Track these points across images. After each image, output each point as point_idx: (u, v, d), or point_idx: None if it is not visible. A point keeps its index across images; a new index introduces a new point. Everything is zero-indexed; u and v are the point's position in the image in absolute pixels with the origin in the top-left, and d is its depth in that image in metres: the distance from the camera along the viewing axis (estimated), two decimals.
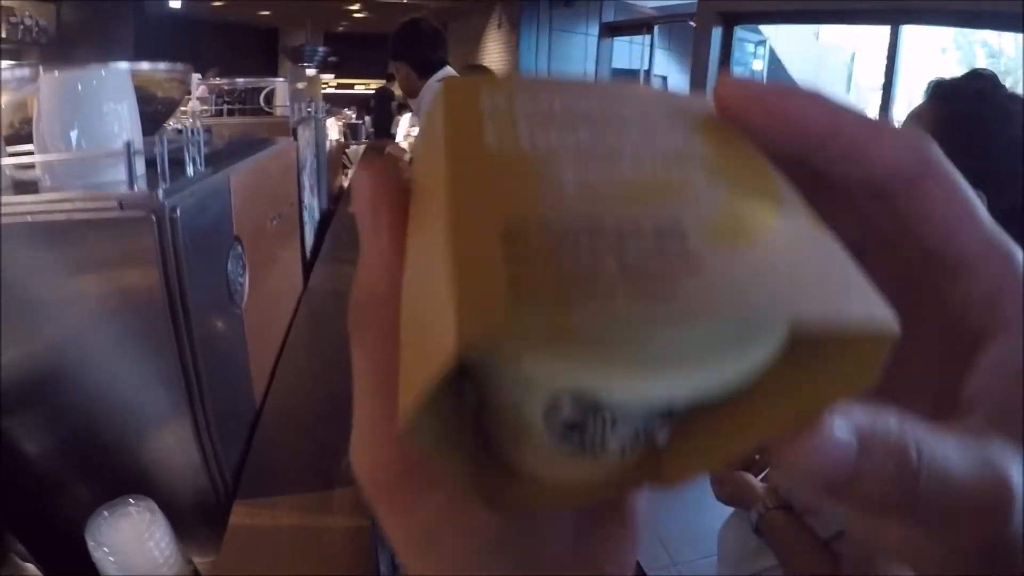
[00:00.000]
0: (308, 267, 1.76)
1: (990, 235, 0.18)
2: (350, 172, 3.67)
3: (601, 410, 0.16)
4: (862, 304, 0.14)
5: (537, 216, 0.14)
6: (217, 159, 0.94)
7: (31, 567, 0.74)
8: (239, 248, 0.93)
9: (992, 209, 0.19)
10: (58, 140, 0.64)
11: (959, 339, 0.19)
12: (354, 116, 5.78)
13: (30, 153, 0.67)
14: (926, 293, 0.19)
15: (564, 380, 0.15)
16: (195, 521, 0.83)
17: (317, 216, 2.09)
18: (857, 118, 0.18)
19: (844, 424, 0.15)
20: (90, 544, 0.67)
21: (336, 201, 2.68)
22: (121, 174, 0.68)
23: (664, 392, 0.14)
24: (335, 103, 5.22)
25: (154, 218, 0.63)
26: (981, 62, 5.24)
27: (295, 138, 1.56)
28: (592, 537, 0.21)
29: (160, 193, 0.64)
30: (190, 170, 0.78)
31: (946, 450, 0.16)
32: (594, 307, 0.12)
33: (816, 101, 0.18)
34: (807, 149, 0.18)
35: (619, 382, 0.14)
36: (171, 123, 1.20)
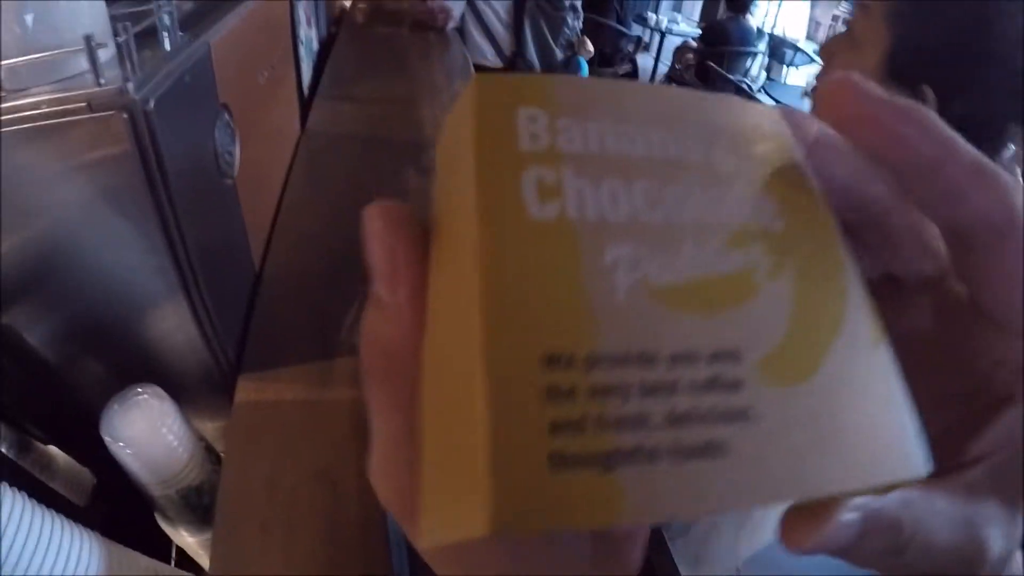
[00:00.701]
0: (305, 106, 1.70)
1: None
2: None
3: None
4: (905, 457, 0.14)
5: (586, 336, 0.12)
6: (197, 18, 0.88)
7: (53, 449, 0.79)
8: (227, 116, 0.89)
9: (943, 114, 0.18)
10: (12, 27, 0.59)
11: (980, 395, 0.19)
12: None
13: None
14: (960, 340, 0.19)
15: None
16: (202, 394, 0.87)
17: (316, 47, 1.98)
18: (966, 155, 0.17)
19: (855, 512, 0.16)
20: (106, 439, 0.71)
21: (337, 24, 2.53)
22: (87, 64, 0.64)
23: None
24: None
25: (126, 116, 0.60)
26: None
27: None
28: (606, 549, 0.22)
29: (131, 86, 0.60)
30: (165, 42, 0.73)
31: (935, 519, 0.17)
32: (639, 473, 0.11)
33: (931, 127, 0.17)
34: (907, 175, 0.18)
35: None
36: None
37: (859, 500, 0.16)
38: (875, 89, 0.17)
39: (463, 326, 0.13)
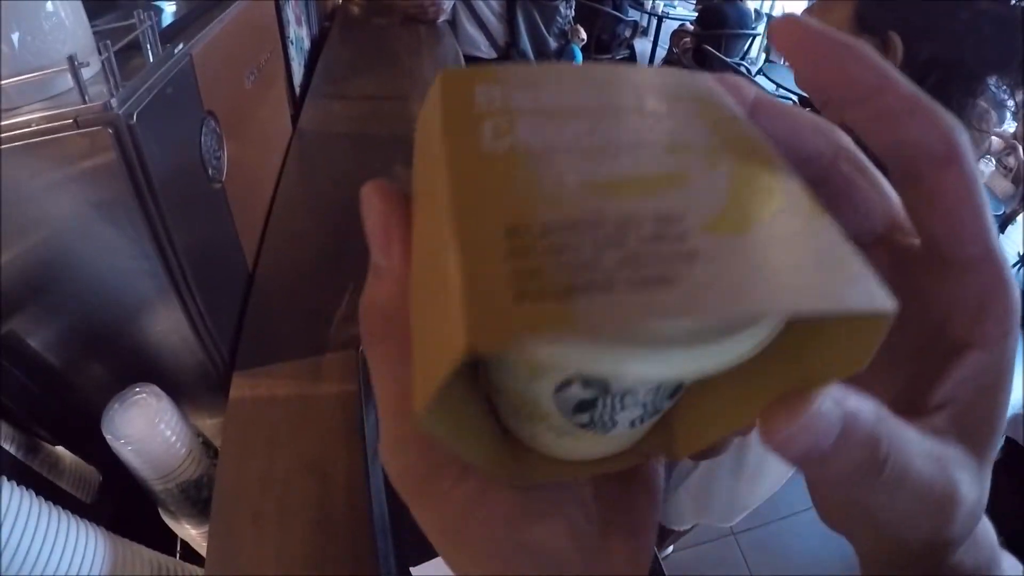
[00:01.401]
0: (298, 105, 1.72)
1: (992, 243, 0.18)
2: None
3: (609, 391, 0.18)
4: (860, 290, 0.14)
5: (538, 213, 0.14)
6: (179, 26, 0.91)
7: (60, 448, 0.83)
8: (212, 123, 0.92)
9: (910, 59, 0.19)
10: (1, 45, 0.62)
11: (937, 343, 0.20)
12: None
13: None
14: (913, 292, 0.20)
15: (571, 367, 0.16)
16: (198, 393, 0.90)
17: (307, 45, 2.00)
18: (905, 87, 0.18)
19: (833, 405, 0.16)
20: (108, 438, 0.74)
21: (330, 19, 2.55)
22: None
23: (668, 374, 0.15)
24: None
25: (111, 130, 0.63)
26: None
27: None
28: (617, 504, 0.23)
29: (113, 103, 0.63)
30: (148, 55, 0.76)
31: (910, 446, 0.18)
32: (595, 299, 0.12)
33: (870, 58, 0.18)
34: (848, 101, 0.18)
35: (623, 367, 0.15)
36: None
37: (836, 392, 0.16)
38: (817, 25, 0.18)
39: (439, 233, 0.15)
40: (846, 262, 0.14)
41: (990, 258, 0.19)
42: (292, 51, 1.71)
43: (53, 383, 0.81)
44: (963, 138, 0.18)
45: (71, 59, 0.60)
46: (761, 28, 5.26)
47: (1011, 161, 3.66)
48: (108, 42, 0.64)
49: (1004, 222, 3.82)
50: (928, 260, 0.19)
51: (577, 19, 3.01)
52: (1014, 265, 3.98)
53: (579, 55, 2.93)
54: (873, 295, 0.14)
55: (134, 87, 0.68)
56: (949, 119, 0.18)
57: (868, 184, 0.20)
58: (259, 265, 1.12)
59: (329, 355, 0.94)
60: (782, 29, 0.19)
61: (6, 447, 0.76)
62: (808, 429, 0.15)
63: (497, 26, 2.59)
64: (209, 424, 0.95)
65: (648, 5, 6.20)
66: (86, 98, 0.62)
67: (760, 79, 4.47)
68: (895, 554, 0.21)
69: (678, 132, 0.17)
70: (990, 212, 0.18)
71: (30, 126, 0.61)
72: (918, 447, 0.18)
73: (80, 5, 0.67)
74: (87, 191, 0.66)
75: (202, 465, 0.85)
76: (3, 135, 0.60)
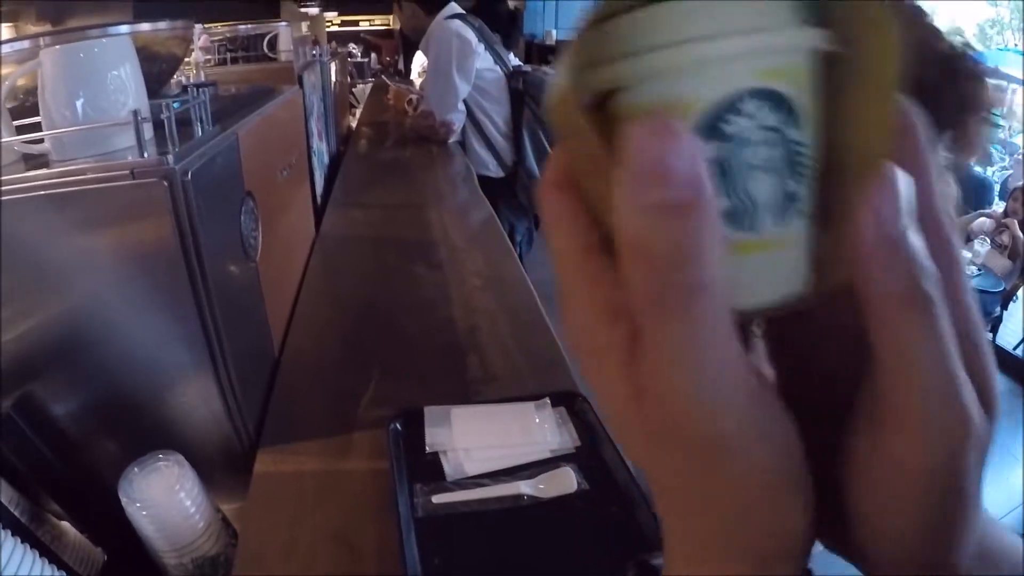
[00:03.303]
0: (319, 212, 1.78)
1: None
2: (357, 112, 3.64)
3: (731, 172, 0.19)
4: None
5: None
6: (225, 114, 0.95)
7: (66, 524, 0.79)
8: (251, 203, 0.95)
9: None
10: (64, 111, 0.65)
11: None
12: (359, 54, 5.68)
13: (38, 125, 0.68)
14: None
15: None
16: (220, 470, 0.87)
17: (327, 160, 2.09)
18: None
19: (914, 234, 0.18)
20: (123, 500, 0.71)
21: (345, 143, 2.67)
22: (130, 140, 0.69)
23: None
24: (340, 41, 5.12)
25: (166, 183, 0.65)
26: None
27: (300, 85, 1.55)
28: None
29: (170, 158, 0.66)
30: (198, 130, 0.79)
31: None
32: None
33: None
34: None
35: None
36: (176, 77, 1.20)
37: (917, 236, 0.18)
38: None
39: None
40: None
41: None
42: (315, 162, 1.79)
43: (69, 450, 0.79)
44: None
45: (135, 112, 0.63)
46: None
47: (1005, 238, 3.75)
48: (169, 101, 0.67)
49: (1005, 299, 3.86)
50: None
51: None
52: (1018, 345, 3.96)
53: None
54: None
55: (189, 149, 0.71)
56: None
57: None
58: (285, 349, 1.12)
59: (358, 433, 0.92)
60: None
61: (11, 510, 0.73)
62: (889, 208, 0.18)
63: (504, 146, 2.71)
64: (229, 510, 0.91)
65: None
66: (144, 151, 0.65)
67: None
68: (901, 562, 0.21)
69: None
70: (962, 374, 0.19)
71: (85, 173, 0.63)
72: (937, 360, 0.19)
73: (139, 71, 0.71)
74: (134, 244, 0.68)
75: (220, 542, 0.81)
76: (58, 180, 0.62)
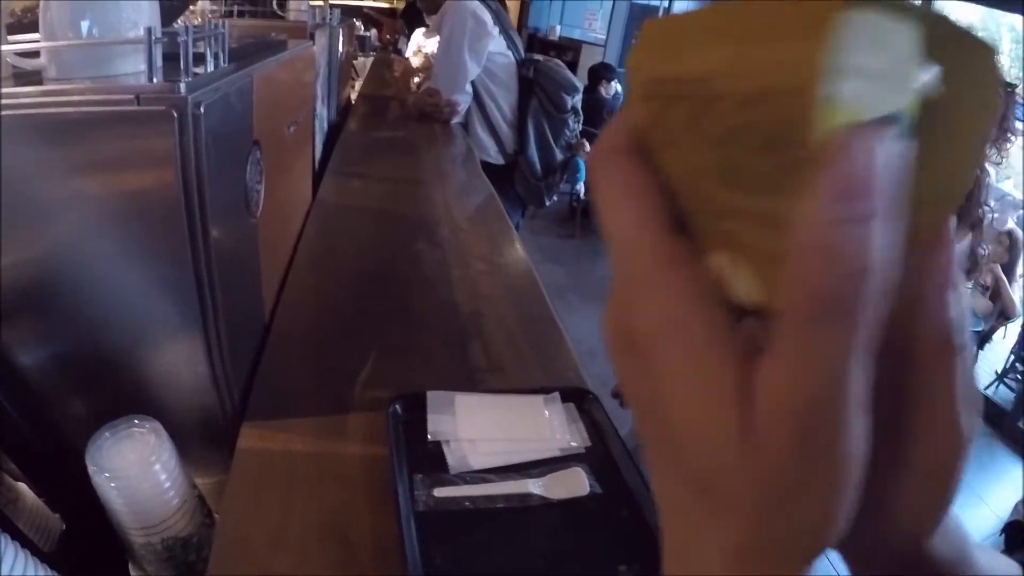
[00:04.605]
0: (316, 178, 1.69)
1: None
2: (357, 84, 3.54)
3: None
4: None
5: None
6: (239, 57, 0.87)
7: (22, 486, 0.71)
8: (258, 153, 0.87)
9: None
10: (67, 28, 0.57)
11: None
12: (362, 28, 5.57)
13: (35, 41, 0.60)
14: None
15: None
16: (198, 441, 0.79)
17: (326, 127, 2.01)
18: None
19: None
20: (90, 468, 0.63)
21: (345, 113, 2.58)
22: (135, 65, 0.61)
23: None
24: (344, 14, 5.00)
25: (175, 114, 0.57)
26: (1006, 46, 5.10)
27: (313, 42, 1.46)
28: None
29: (182, 87, 0.58)
30: (211, 66, 0.72)
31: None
32: None
33: None
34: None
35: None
36: (179, 23, 1.11)
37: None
38: None
39: None
40: None
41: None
42: (316, 126, 1.71)
43: (34, 406, 0.71)
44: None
45: (149, 30, 0.55)
46: None
47: (988, 279, 3.80)
48: (186, 24, 0.59)
49: (982, 339, 3.92)
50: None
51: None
52: (989, 385, 4.06)
53: (584, 169, 2.99)
54: None
55: (202, 81, 0.63)
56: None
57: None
58: (276, 318, 1.04)
59: (354, 415, 0.85)
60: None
61: None
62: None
63: (508, 133, 2.65)
64: (204, 484, 0.83)
65: None
66: (154, 78, 0.57)
67: None
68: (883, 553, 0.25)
69: None
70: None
71: (84, 94, 0.55)
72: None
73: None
74: (130, 178, 0.60)
75: (194, 522, 0.73)
76: (55, 99, 0.54)
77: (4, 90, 0.56)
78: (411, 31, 3.79)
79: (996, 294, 3.89)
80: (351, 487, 0.74)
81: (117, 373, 0.73)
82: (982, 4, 4.43)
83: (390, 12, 8.24)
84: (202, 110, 0.59)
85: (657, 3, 8.45)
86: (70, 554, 0.73)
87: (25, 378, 0.69)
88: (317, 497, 0.72)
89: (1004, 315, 3.90)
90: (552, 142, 2.73)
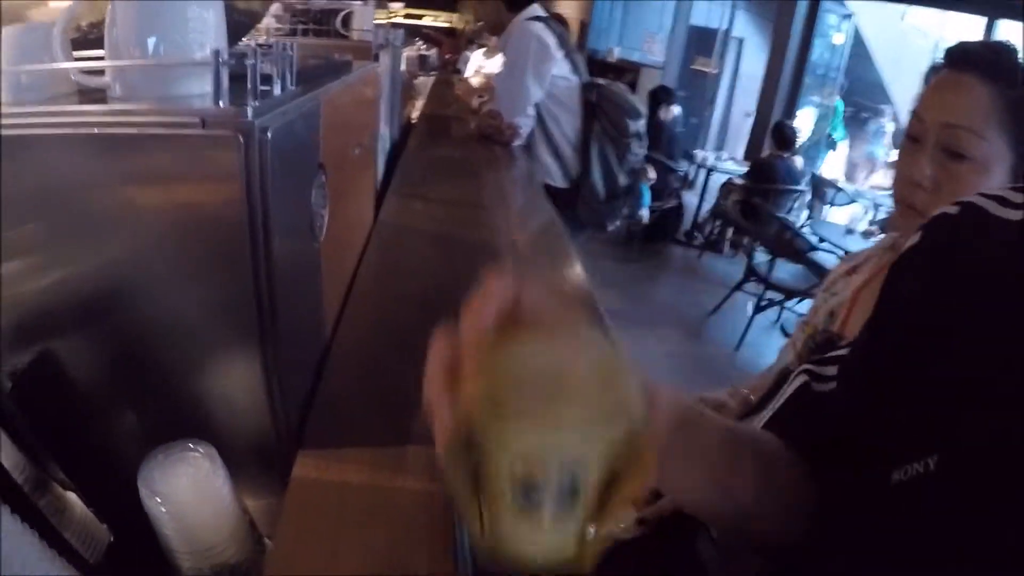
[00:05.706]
0: (378, 199, 1.69)
1: None
2: (418, 104, 3.58)
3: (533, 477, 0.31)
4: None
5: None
6: (306, 79, 0.87)
7: (72, 496, 0.70)
8: (323, 177, 0.86)
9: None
10: (133, 46, 0.56)
11: None
12: (424, 47, 5.65)
13: (100, 59, 0.60)
14: None
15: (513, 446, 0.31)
16: (251, 463, 0.78)
17: (388, 147, 2.02)
18: None
19: None
20: (142, 491, 0.62)
21: (406, 133, 2.60)
22: (201, 87, 0.61)
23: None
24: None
25: (241, 139, 0.56)
26: None
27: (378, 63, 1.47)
28: None
29: (249, 111, 0.56)
30: (278, 88, 0.70)
31: None
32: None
33: None
34: None
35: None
36: (245, 41, 1.12)
37: None
38: None
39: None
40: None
41: None
42: (378, 146, 1.71)
43: (88, 417, 0.70)
44: None
45: (216, 53, 0.54)
46: (805, 185, 5.36)
47: None
48: (256, 46, 0.58)
49: None
50: None
51: None
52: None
53: (648, 196, 2.94)
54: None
55: (269, 106, 0.62)
56: None
57: None
58: (335, 344, 1.02)
59: (412, 448, 0.82)
60: None
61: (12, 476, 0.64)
62: None
63: (571, 156, 2.62)
64: (254, 505, 0.81)
65: (699, 158, 6.40)
66: (220, 99, 0.56)
67: (806, 232, 4.51)
68: None
69: None
70: None
71: (148, 115, 0.54)
72: None
73: (223, 14, 0.62)
74: (193, 201, 0.59)
75: (244, 550, 0.71)
76: (118, 119, 0.53)
77: (69, 108, 0.56)
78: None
79: None
80: (408, 524, 0.71)
81: (173, 390, 0.72)
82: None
83: (449, 31, 8.36)
84: (269, 135, 0.58)
85: (716, 27, 8.37)
86: (117, 568, 0.72)
87: (79, 389, 0.68)
88: (372, 533, 0.69)
89: None
90: (615, 166, 2.69)
